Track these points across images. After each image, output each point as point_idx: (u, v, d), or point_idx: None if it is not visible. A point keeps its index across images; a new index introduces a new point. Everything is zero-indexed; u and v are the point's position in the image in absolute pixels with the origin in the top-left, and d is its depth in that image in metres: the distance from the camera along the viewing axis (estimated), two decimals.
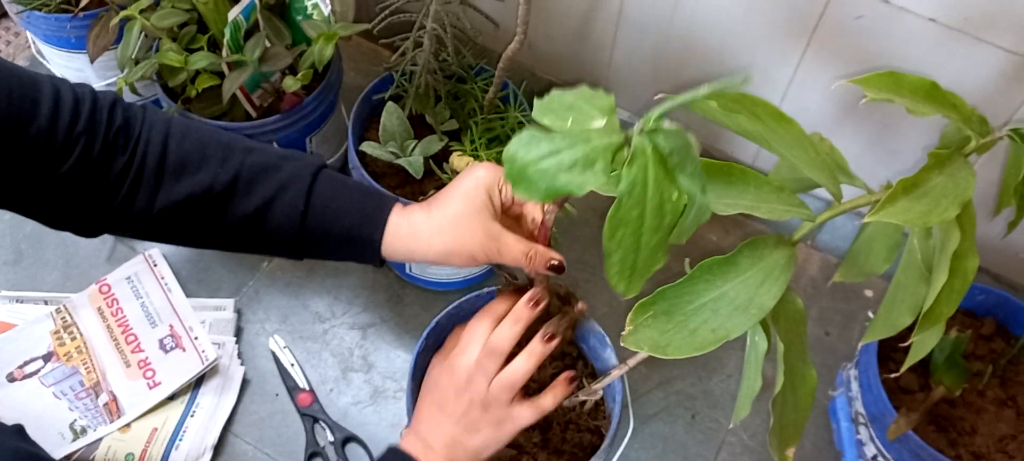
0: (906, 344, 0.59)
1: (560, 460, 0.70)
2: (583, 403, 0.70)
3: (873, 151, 0.90)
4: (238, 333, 0.92)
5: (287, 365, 0.89)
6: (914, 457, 0.73)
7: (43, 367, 0.86)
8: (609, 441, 0.68)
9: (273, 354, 0.90)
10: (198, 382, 0.87)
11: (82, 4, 0.95)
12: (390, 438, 0.86)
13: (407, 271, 0.94)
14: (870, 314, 0.97)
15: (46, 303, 0.92)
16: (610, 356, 0.72)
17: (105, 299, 0.91)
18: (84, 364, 0.87)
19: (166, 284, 0.93)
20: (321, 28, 0.88)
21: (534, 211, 0.66)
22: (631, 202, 0.43)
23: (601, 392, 0.68)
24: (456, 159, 0.88)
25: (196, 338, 0.88)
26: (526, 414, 0.63)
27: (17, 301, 0.92)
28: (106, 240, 0.98)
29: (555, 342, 0.62)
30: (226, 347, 0.89)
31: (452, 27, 0.86)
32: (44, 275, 0.95)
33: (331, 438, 0.85)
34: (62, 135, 0.59)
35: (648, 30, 0.93)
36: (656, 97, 0.56)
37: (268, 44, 0.88)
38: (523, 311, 0.63)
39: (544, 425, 0.71)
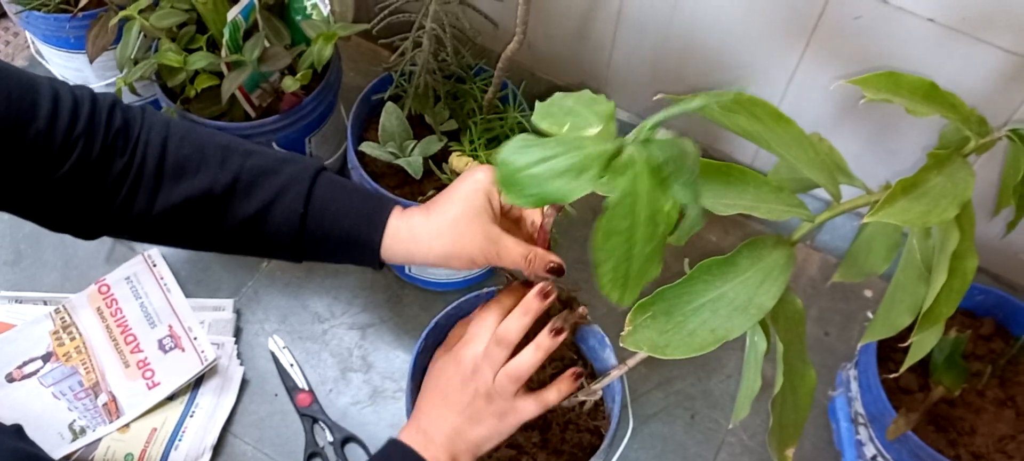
0: (905, 344, 0.59)
1: (559, 460, 0.70)
2: (582, 403, 0.70)
3: (872, 151, 0.90)
4: (237, 333, 0.92)
5: (286, 365, 0.89)
6: (913, 457, 0.73)
7: (42, 367, 0.86)
8: (608, 441, 0.68)
9: (272, 354, 0.90)
10: (197, 382, 0.87)
11: (81, 4, 0.95)
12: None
13: (406, 271, 0.94)
14: (869, 314, 0.97)
15: (45, 303, 0.92)
16: (609, 356, 0.72)
17: (104, 299, 0.91)
18: (83, 364, 0.86)
19: (165, 284, 0.93)
20: (320, 28, 0.88)
21: (533, 214, 0.66)
22: (621, 212, 0.43)
23: (600, 392, 0.68)
24: (455, 159, 0.88)
25: (195, 338, 0.88)
26: (530, 407, 0.63)
27: (16, 301, 0.92)
28: (105, 240, 0.98)
29: (563, 336, 0.62)
30: (225, 347, 0.89)
31: (451, 27, 0.86)
32: (43, 275, 0.95)
33: (330, 438, 0.85)
34: (61, 137, 0.59)
35: (647, 30, 0.93)
36: (655, 97, 0.56)
37: (267, 44, 0.88)
38: (533, 302, 0.62)
39: (543, 425, 0.71)
